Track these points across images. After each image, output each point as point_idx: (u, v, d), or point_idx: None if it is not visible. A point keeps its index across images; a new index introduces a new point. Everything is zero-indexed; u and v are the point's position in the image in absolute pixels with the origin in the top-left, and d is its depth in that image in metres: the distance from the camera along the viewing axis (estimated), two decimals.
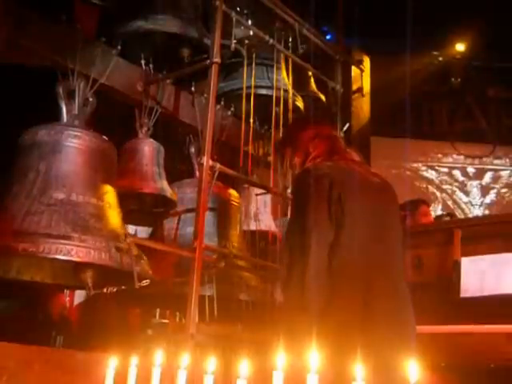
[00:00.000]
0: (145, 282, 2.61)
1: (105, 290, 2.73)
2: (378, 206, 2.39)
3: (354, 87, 4.87)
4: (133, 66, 3.42)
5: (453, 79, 8.20)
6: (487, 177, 8.40)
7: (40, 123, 2.72)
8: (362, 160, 2.61)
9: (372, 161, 5.70)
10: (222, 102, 3.72)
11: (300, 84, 4.09)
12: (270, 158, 3.53)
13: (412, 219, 4.76)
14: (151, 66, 3.41)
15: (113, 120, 3.52)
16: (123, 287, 2.73)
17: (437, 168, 8.41)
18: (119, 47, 3.26)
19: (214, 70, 2.95)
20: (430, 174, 8.40)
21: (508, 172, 8.42)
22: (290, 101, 3.68)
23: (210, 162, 2.81)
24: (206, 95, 3.00)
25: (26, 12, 3.00)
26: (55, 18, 3.06)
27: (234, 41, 3.23)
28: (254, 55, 3.63)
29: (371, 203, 2.36)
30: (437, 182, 8.40)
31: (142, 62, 3.40)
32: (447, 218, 5.66)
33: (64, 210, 2.48)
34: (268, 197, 3.61)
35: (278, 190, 3.33)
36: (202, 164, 2.78)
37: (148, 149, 3.24)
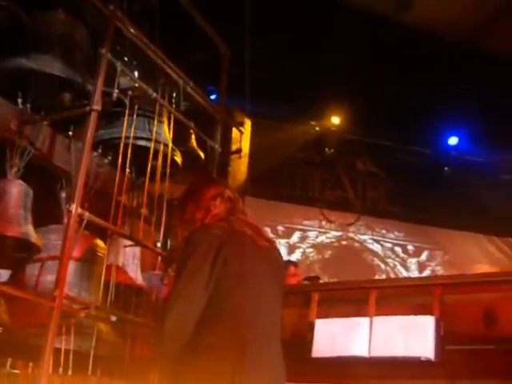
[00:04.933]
0: None
1: None
2: (263, 269, 2.50)
3: (233, 148, 4.96)
4: (8, 104, 3.31)
5: (327, 149, 8.62)
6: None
7: None
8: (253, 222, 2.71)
9: None
10: (100, 150, 3.67)
11: (181, 139, 4.13)
12: (143, 210, 3.51)
13: None
14: (28, 105, 3.32)
15: None
16: None
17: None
18: None
19: (93, 117, 2.94)
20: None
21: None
22: (170, 155, 3.70)
23: (79, 210, 2.76)
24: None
25: None
26: None
27: (117, 90, 3.23)
28: (136, 106, 3.64)
29: (257, 266, 2.47)
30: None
31: (19, 100, 3.30)
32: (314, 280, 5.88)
33: None
34: (137, 249, 3.56)
35: (149, 243, 3.32)
36: (71, 211, 2.72)
37: (16, 191, 3.11)
